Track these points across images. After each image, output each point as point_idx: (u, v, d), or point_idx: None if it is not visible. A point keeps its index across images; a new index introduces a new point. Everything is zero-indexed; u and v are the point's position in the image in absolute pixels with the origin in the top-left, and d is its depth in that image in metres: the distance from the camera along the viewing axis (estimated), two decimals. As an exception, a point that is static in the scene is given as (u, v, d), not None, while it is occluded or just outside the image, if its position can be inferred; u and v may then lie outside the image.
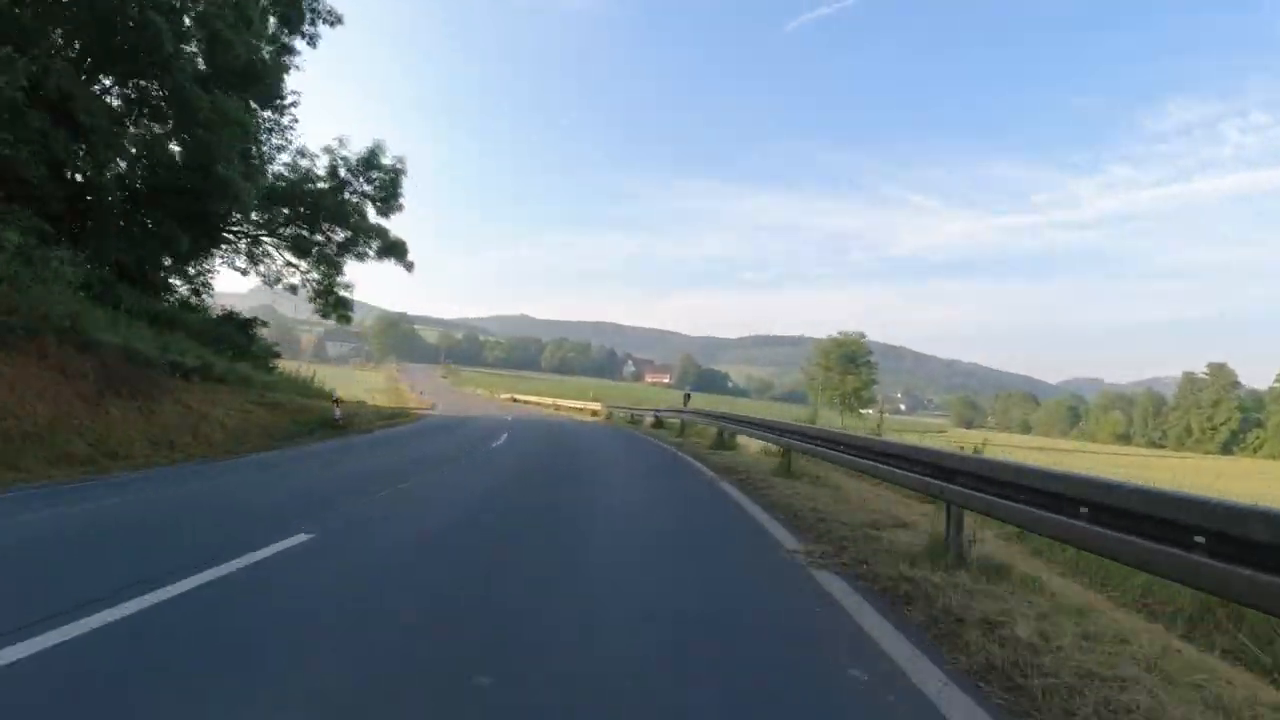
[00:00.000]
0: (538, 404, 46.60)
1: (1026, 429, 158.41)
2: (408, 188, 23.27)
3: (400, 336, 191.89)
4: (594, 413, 32.05)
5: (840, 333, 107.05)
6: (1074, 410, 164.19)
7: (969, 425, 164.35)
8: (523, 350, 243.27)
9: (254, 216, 22.37)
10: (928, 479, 5.25)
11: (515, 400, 51.71)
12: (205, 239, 20.25)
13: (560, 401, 40.81)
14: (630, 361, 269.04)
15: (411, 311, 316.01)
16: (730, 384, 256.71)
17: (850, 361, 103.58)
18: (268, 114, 20.80)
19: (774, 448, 11.58)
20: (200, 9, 15.52)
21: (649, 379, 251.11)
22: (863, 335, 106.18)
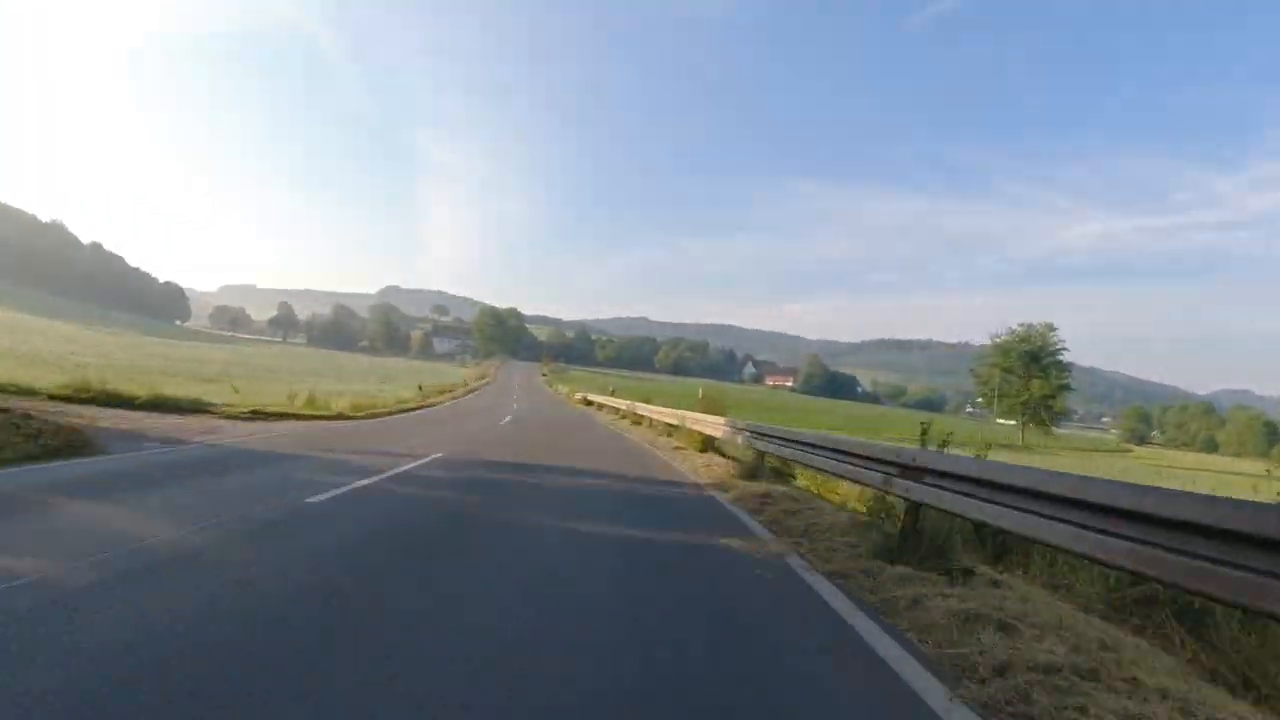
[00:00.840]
0: (612, 407, 29.29)
1: (1212, 447, 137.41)
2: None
3: (508, 333, 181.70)
4: (704, 444, 13.59)
5: (1021, 325, 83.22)
6: (1270, 426, 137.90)
7: (1140, 441, 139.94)
8: (635, 350, 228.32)
9: None
10: None
11: (588, 402, 34.92)
12: None
13: (642, 407, 22.78)
14: (750, 363, 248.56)
15: (526, 311, 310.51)
16: (860, 389, 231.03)
17: (1033, 361, 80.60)
18: None
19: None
20: None
21: (770, 382, 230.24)
22: (1052, 327, 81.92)
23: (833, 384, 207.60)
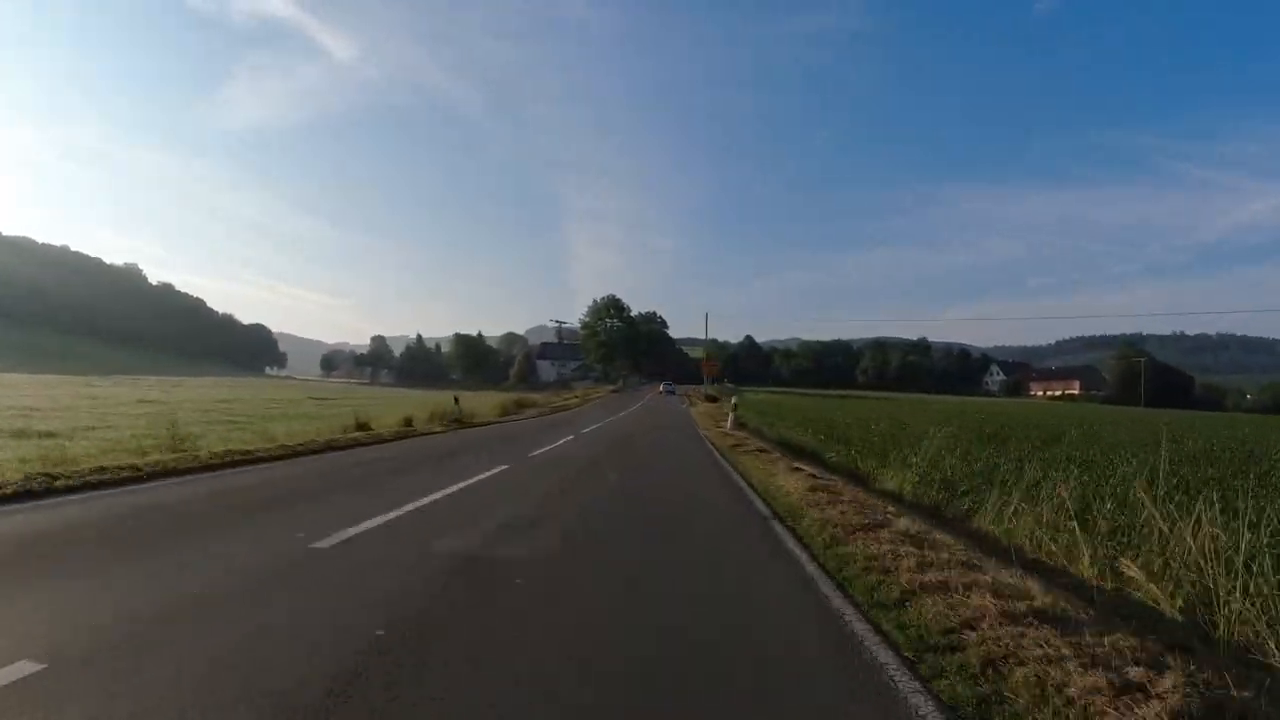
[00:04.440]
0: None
1: None
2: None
3: (644, 345, 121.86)
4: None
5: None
6: None
7: None
8: (827, 358, 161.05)
9: None
10: None
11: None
12: None
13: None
14: (995, 368, 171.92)
15: (675, 334, 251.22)
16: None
17: None
18: None
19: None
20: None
21: (1037, 391, 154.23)
22: None
23: (1163, 386, 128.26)
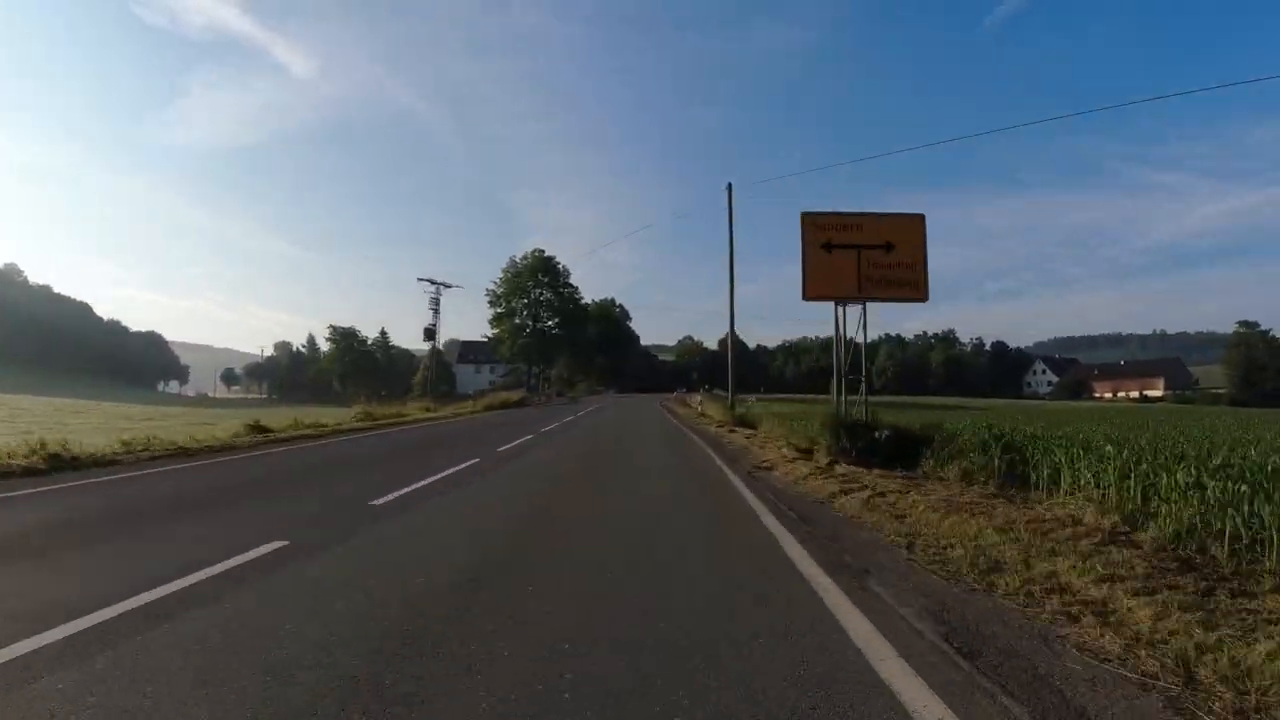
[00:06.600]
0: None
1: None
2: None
3: (592, 337, 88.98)
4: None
5: None
6: None
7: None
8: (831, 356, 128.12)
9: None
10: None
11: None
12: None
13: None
14: (1040, 364, 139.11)
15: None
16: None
17: None
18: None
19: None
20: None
21: (1103, 392, 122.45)
22: None
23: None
